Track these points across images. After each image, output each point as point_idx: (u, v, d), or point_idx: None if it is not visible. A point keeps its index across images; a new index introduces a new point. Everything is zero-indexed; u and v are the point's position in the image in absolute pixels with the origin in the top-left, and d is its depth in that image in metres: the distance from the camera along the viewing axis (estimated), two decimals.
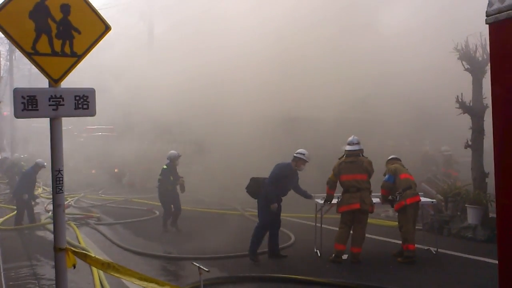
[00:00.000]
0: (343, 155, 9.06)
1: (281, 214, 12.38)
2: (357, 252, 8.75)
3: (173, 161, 12.58)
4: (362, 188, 8.69)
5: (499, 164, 2.99)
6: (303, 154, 9.26)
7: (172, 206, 12.62)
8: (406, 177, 8.99)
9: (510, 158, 2.88)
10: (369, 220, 12.42)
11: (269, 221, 9.16)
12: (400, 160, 9.52)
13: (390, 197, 9.09)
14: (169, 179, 12.43)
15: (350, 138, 9.06)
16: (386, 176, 9.12)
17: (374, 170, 8.93)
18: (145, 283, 3.83)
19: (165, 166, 12.58)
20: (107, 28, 4.24)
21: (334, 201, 9.10)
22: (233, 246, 9.90)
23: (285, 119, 17.84)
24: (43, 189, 21.91)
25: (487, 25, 2.72)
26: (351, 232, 8.91)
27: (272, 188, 9.13)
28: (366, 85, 17.26)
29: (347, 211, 8.76)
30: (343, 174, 8.83)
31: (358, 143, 8.95)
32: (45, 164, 14.97)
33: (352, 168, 8.79)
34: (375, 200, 9.24)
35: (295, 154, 9.35)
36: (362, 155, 8.95)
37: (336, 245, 8.82)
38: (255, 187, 9.39)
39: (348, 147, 8.99)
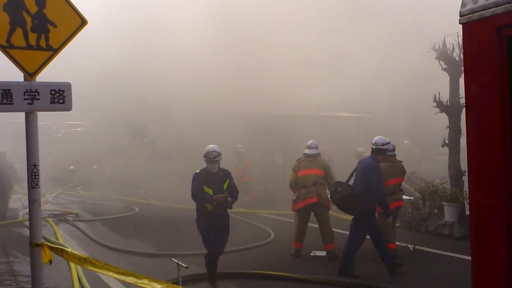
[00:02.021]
0: (302, 157, 9.42)
1: (262, 211, 12.50)
2: (331, 248, 8.85)
3: (208, 162, 7.56)
4: (318, 182, 8.96)
5: (472, 162, 3.04)
6: (388, 143, 8.11)
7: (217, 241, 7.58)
8: (392, 183, 8.86)
9: (483, 156, 2.93)
10: (348, 218, 12.60)
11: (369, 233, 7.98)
12: (394, 153, 9.26)
13: None
14: (202, 192, 7.40)
15: (309, 142, 9.45)
16: None
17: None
18: (122, 277, 3.80)
19: (197, 171, 7.66)
20: (83, 22, 4.20)
21: None
22: None
23: (264, 117, 17.91)
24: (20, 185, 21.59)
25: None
26: (320, 230, 9.07)
27: (379, 196, 7.80)
28: (346, 85, 17.42)
29: (304, 207, 8.92)
30: (302, 169, 9.15)
31: (316, 147, 9.39)
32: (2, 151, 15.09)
33: (311, 165, 9.15)
34: None
35: (379, 147, 7.96)
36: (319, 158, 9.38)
37: (294, 244, 9.12)
38: (353, 199, 7.71)
39: (307, 151, 9.36)
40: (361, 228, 7.88)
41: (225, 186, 7.46)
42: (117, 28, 18.65)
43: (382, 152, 7.99)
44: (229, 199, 7.41)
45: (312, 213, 9.10)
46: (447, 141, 11.25)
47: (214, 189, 7.33)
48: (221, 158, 7.58)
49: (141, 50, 19.10)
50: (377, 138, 8.08)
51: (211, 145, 7.62)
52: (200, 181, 7.40)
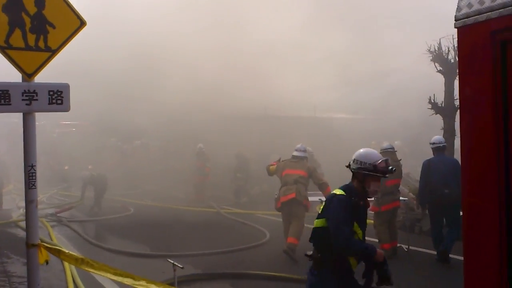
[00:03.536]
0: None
1: (258, 212, 12.55)
2: (291, 242, 8.81)
3: (377, 174, 4.21)
4: (299, 182, 9.06)
5: (466, 163, 3.07)
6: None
7: None
8: (391, 184, 9.00)
9: (476, 158, 2.96)
10: None
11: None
12: (395, 151, 9.48)
13: None
14: (352, 235, 4.13)
15: (298, 146, 9.58)
16: None
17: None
18: (120, 278, 3.81)
19: (339, 192, 4.18)
20: (82, 23, 4.21)
21: None
22: (208, 243, 9.93)
23: (259, 117, 17.96)
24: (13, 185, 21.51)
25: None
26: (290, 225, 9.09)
27: None
28: (342, 86, 17.48)
29: (284, 203, 9.01)
30: (286, 169, 9.25)
31: (304, 151, 9.56)
32: None
33: (295, 166, 9.30)
34: None
35: (444, 144, 8.89)
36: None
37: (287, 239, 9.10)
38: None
39: (295, 153, 9.46)
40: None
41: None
42: (110, 29, 18.66)
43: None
44: None
45: None
46: None
47: (363, 227, 4.31)
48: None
49: (136, 50, 19.08)
50: (440, 137, 8.96)
51: (363, 150, 4.37)
52: (349, 213, 4.13)
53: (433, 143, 8.72)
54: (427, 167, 8.61)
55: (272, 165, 9.61)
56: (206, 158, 17.71)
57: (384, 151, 9.31)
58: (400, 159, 9.41)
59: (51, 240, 10.62)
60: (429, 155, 9.08)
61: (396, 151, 9.52)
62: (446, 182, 8.22)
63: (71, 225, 12.65)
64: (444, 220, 8.60)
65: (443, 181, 8.26)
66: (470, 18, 2.67)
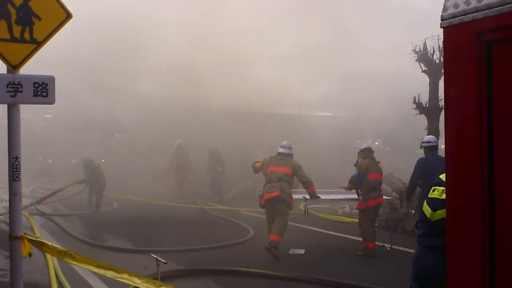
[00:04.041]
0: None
1: (242, 209, 12.48)
2: (273, 239, 8.81)
3: None
4: (283, 179, 9.04)
5: (450, 163, 3.10)
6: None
7: None
8: (374, 178, 9.16)
9: (460, 158, 2.99)
10: (327, 216, 12.75)
11: None
12: (373, 152, 9.68)
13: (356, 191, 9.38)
14: None
15: (284, 142, 9.51)
16: (356, 173, 9.28)
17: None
18: (103, 271, 3.79)
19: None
20: (68, 15, 4.18)
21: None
22: (192, 239, 9.92)
23: (246, 114, 17.98)
24: None
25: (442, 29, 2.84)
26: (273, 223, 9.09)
27: None
28: (327, 85, 17.56)
29: (268, 200, 9.00)
30: (271, 166, 9.23)
31: (290, 148, 9.41)
32: None
33: (280, 163, 9.26)
34: (341, 196, 9.62)
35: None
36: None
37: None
38: None
39: (280, 149, 9.41)
40: None
41: None
42: (88, 14, 18.39)
43: None
44: None
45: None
46: None
47: None
48: None
49: (121, 44, 18.93)
50: (433, 136, 9.28)
51: None
52: None
53: (428, 142, 8.92)
54: (424, 165, 8.80)
55: (258, 162, 9.62)
56: (187, 153, 17.67)
57: (362, 151, 9.50)
58: (379, 162, 9.57)
59: (34, 233, 10.53)
60: (410, 154, 9.23)
61: (373, 151, 9.69)
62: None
63: (54, 219, 12.55)
64: None
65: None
66: (456, 18, 2.70)
